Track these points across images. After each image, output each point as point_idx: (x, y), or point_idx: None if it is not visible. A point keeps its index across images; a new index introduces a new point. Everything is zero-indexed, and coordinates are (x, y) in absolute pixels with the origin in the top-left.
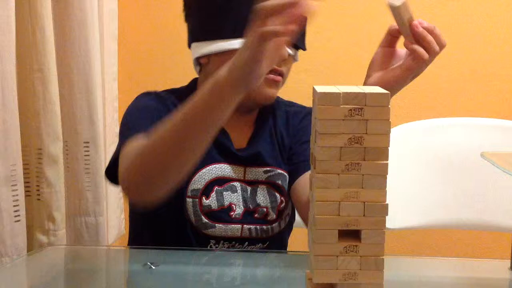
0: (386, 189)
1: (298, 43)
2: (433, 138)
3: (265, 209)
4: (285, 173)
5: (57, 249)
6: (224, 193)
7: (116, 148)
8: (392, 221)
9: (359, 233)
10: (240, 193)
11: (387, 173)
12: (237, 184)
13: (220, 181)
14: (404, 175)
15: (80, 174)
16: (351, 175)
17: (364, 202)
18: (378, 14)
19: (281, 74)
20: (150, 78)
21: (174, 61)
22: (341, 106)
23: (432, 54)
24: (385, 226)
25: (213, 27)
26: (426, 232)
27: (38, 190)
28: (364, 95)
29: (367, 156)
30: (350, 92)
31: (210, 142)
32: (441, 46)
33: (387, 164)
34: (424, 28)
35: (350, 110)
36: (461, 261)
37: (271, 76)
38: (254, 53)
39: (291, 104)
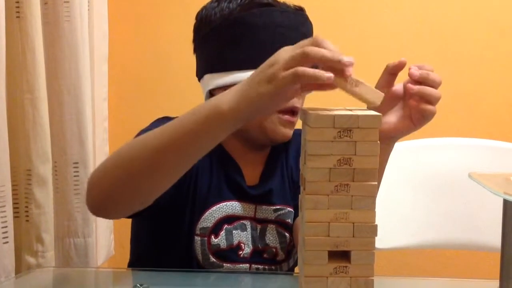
0: (375, 210)
1: None
2: (422, 158)
3: (274, 250)
4: (293, 210)
5: (46, 271)
6: (234, 231)
7: None
8: (382, 241)
9: (349, 254)
10: (250, 231)
11: (376, 194)
12: (247, 222)
13: (230, 219)
14: (394, 195)
15: (69, 195)
16: (340, 196)
17: (353, 223)
18: (369, 34)
19: (297, 111)
20: (141, 99)
21: (165, 82)
22: (331, 128)
23: (435, 101)
24: (374, 247)
25: (231, 58)
26: (416, 252)
27: (26, 212)
28: (357, 117)
29: (356, 177)
30: (344, 115)
31: (187, 169)
32: (437, 84)
33: (375, 185)
34: (418, 79)
35: (339, 131)
36: (450, 281)
37: (287, 117)
38: (278, 90)
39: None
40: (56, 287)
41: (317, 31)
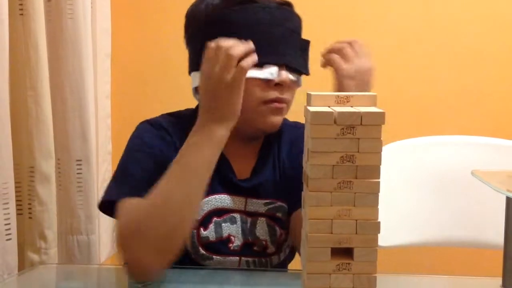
0: (378, 207)
1: (301, 69)
2: (424, 156)
3: (264, 242)
4: (285, 205)
5: (49, 268)
6: (223, 224)
7: (110, 184)
8: (384, 239)
9: (352, 251)
10: (240, 224)
11: (379, 191)
12: (237, 215)
13: (220, 212)
14: (396, 193)
15: (72, 192)
16: (343, 193)
17: (356, 220)
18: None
19: (284, 101)
20: (143, 96)
21: (167, 79)
22: (334, 125)
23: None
24: (377, 244)
25: None
26: (418, 250)
27: (30, 209)
28: (360, 114)
29: (359, 174)
30: (346, 112)
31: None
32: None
33: (378, 182)
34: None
35: (342, 128)
36: (453, 278)
37: (275, 104)
38: (240, 84)
39: (296, 126)
40: (59, 284)
41: (316, 28)
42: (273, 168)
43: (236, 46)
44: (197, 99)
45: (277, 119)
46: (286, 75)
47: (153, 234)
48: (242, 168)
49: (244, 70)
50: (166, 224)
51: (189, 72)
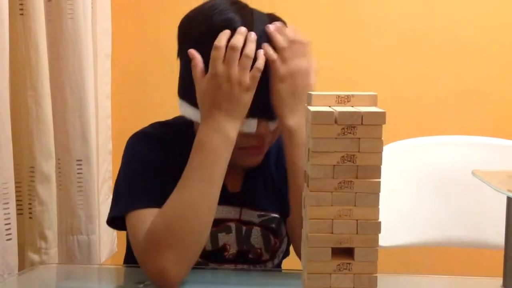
0: (379, 207)
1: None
2: (424, 156)
3: (259, 250)
4: (278, 216)
5: (49, 268)
6: (219, 234)
7: (116, 199)
8: (385, 239)
9: (352, 251)
10: (235, 233)
11: (379, 191)
12: (232, 224)
13: (216, 222)
14: (396, 193)
15: (72, 192)
16: (344, 193)
17: (357, 220)
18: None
19: (265, 144)
20: (144, 96)
21: (167, 79)
22: (334, 125)
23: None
24: (378, 244)
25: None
26: (418, 250)
27: (30, 209)
28: (360, 114)
29: (360, 174)
30: (347, 111)
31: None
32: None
33: (379, 182)
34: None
35: (343, 128)
36: (453, 279)
37: (252, 151)
38: (255, 85)
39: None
40: (59, 284)
41: (316, 28)
42: (262, 181)
43: (248, 45)
44: (188, 115)
45: (257, 159)
46: (266, 127)
47: (176, 243)
48: (233, 183)
49: (260, 71)
50: (188, 232)
51: (178, 94)
